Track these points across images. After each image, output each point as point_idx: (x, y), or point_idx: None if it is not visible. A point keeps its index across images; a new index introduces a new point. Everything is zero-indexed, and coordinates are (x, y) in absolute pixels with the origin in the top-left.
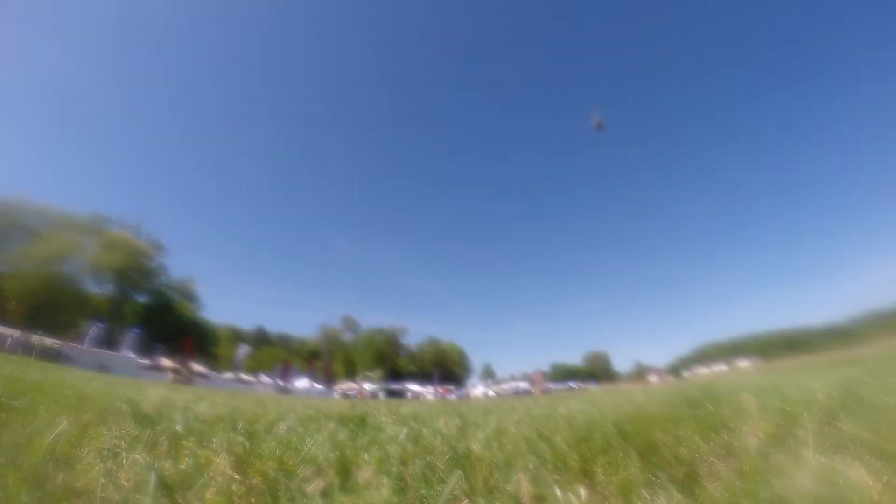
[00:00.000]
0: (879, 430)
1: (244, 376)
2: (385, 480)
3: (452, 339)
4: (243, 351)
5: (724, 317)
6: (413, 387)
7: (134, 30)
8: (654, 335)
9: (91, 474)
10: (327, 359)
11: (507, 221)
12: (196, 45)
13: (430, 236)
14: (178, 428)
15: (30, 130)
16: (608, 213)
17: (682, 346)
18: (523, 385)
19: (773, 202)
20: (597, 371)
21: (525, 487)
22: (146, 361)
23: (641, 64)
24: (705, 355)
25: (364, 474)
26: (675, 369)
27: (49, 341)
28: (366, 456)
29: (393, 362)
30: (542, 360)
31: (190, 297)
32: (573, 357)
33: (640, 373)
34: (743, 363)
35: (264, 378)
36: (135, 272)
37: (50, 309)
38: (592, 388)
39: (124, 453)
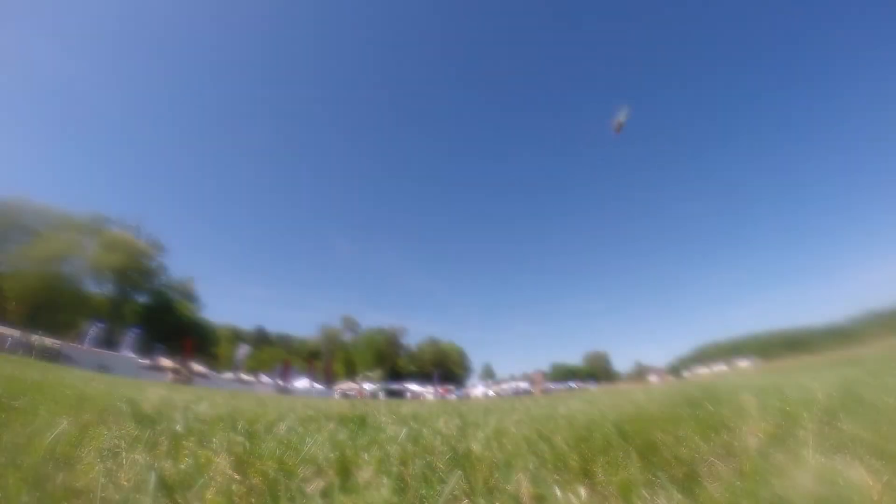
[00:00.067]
0: (879, 430)
1: (244, 376)
2: (385, 480)
3: (452, 339)
4: (243, 351)
5: (724, 317)
6: (413, 387)
7: (134, 30)
8: (654, 335)
9: (91, 474)
10: (327, 359)
11: (507, 221)
12: (196, 45)
13: (430, 236)
14: (178, 428)
15: (30, 130)
16: (608, 213)
17: (682, 346)
18: (523, 385)
19: (773, 202)
20: (597, 371)
21: (525, 487)
22: (146, 361)
23: (641, 64)
24: (705, 355)
25: (364, 474)
26: (675, 369)
27: (49, 341)
28: (366, 456)
29: (393, 362)
30: (542, 360)
31: (190, 297)
32: (573, 357)
33: (640, 373)
34: (743, 363)
35: (264, 378)
36: (135, 272)
37: (50, 309)
38: (592, 388)
39: (124, 453)
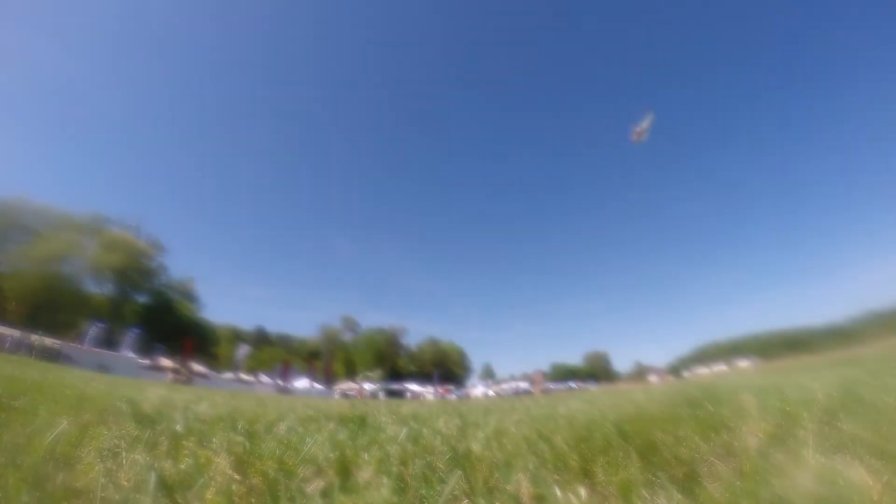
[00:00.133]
0: (879, 430)
1: (244, 376)
2: (385, 480)
3: (452, 339)
4: (243, 351)
5: (724, 317)
6: (413, 387)
7: (134, 30)
8: (654, 335)
9: (91, 474)
10: (327, 359)
11: (507, 221)
12: (196, 45)
13: (430, 236)
14: (178, 428)
15: (30, 130)
16: (608, 213)
17: (682, 346)
18: (523, 385)
19: (773, 202)
20: (597, 371)
21: (525, 487)
22: (146, 361)
23: (642, 64)
24: (705, 355)
25: (364, 474)
26: (675, 369)
27: (49, 341)
28: (366, 456)
29: (393, 362)
30: (542, 360)
31: (190, 297)
32: (573, 357)
33: (640, 373)
34: (743, 363)
35: (264, 378)
36: (135, 272)
37: (50, 309)
38: (592, 388)
39: (124, 453)
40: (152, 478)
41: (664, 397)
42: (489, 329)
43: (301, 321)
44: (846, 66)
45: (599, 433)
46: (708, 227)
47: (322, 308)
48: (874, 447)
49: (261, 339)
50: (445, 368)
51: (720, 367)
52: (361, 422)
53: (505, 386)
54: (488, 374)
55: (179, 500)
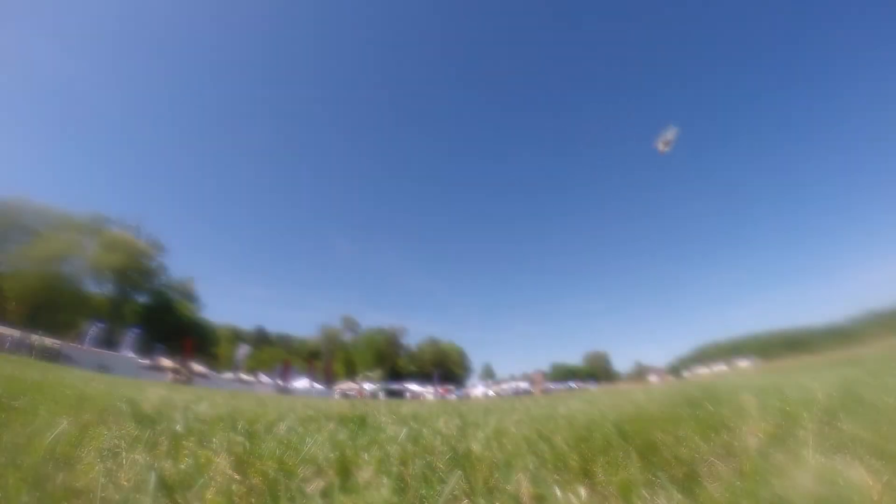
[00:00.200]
0: (879, 430)
1: (244, 376)
2: (385, 480)
3: (452, 339)
4: (243, 351)
5: (724, 317)
6: (413, 387)
7: (134, 30)
8: (654, 335)
9: (91, 474)
10: (327, 359)
11: (507, 221)
12: (196, 45)
13: (430, 236)
14: (178, 428)
15: (30, 130)
16: (608, 213)
17: (682, 346)
18: (523, 385)
19: (773, 202)
20: (597, 371)
21: (525, 487)
22: (146, 361)
23: (641, 64)
24: (705, 355)
25: (364, 474)
26: (675, 369)
27: (49, 341)
28: (366, 456)
29: (393, 362)
30: (542, 360)
31: (190, 297)
32: (573, 357)
33: (640, 373)
34: (743, 363)
35: (264, 378)
36: (135, 272)
37: (50, 309)
38: (592, 388)
39: (124, 453)
40: (152, 478)
41: (664, 397)
42: (489, 329)
43: (301, 321)
44: (846, 66)
45: (599, 433)
46: (708, 227)
47: (322, 308)
48: (874, 447)
49: (261, 339)
50: (445, 368)
51: (720, 367)
52: (361, 422)
53: (505, 386)
54: (488, 374)
55: (179, 500)
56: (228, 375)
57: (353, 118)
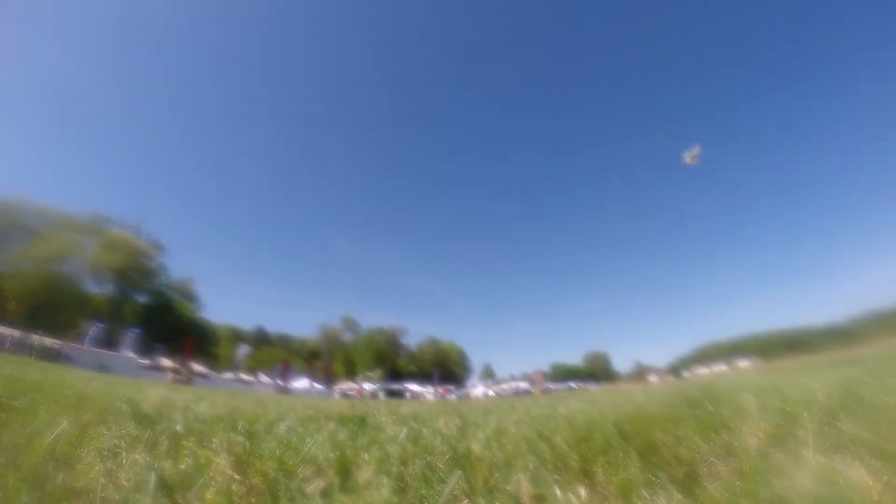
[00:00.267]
0: (879, 430)
1: (244, 376)
2: (385, 480)
3: (452, 339)
4: (243, 351)
5: (724, 317)
6: (413, 387)
7: (134, 30)
8: (654, 335)
9: (91, 474)
10: (327, 359)
11: (506, 221)
12: (196, 45)
13: (430, 236)
14: (178, 428)
15: (30, 130)
16: (608, 213)
17: (682, 346)
18: (523, 385)
19: (773, 202)
20: (597, 371)
21: (525, 487)
22: (146, 361)
23: (641, 64)
24: (705, 355)
25: (364, 474)
26: (675, 369)
27: (49, 341)
28: (366, 456)
29: (393, 362)
30: (542, 360)
31: (190, 297)
32: (573, 357)
33: (640, 373)
34: (743, 363)
35: (264, 378)
36: (135, 272)
37: (50, 309)
38: (592, 388)
39: (124, 453)
40: (152, 478)
41: (664, 397)
42: (489, 329)
43: (301, 321)
44: (846, 66)
45: (599, 433)
46: (708, 227)
47: (322, 308)
48: (874, 447)
49: (261, 339)
50: (445, 368)
51: (720, 367)
52: (361, 422)
53: (505, 386)
54: (488, 374)
55: (179, 500)
56: (228, 375)
57: (353, 118)
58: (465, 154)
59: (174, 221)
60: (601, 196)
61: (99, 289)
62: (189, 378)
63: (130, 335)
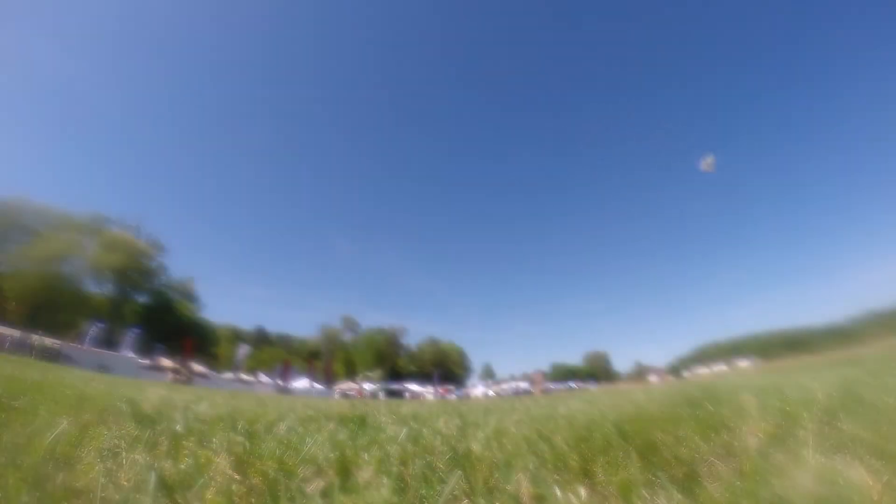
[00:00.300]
0: (879, 430)
1: (244, 376)
2: (385, 480)
3: (452, 339)
4: (243, 351)
5: (724, 317)
6: (413, 387)
7: (134, 30)
8: (654, 335)
9: (91, 474)
10: (327, 359)
11: (506, 221)
12: (196, 45)
13: (430, 236)
14: (178, 428)
15: (30, 130)
16: (608, 213)
17: (682, 346)
18: (523, 385)
19: (773, 202)
20: (597, 371)
21: (525, 487)
22: (146, 361)
23: (641, 63)
24: (705, 355)
25: (364, 474)
26: (675, 369)
27: (49, 341)
28: (366, 456)
29: (393, 362)
30: (542, 360)
31: (190, 297)
32: (573, 357)
33: (640, 373)
34: (743, 363)
35: (264, 378)
36: (135, 272)
37: (50, 309)
38: (592, 388)
39: (124, 453)
40: (152, 478)
41: (664, 397)
42: (489, 329)
43: (301, 321)
44: (846, 66)
45: (599, 433)
46: (708, 227)
47: (322, 308)
48: (874, 447)
49: (261, 339)
50: (445, 368)
51: (720, 367)
52: (361, 422)
53: (505, 386)
54: (488, 374)
55: (179, 500)
56: (228, 375)
57: (353, 118)
58: (465, 154)
59: (174, 221)
60: (601, 196)
61: (99, 289)
62: (189, 378)
63: (130, 335)
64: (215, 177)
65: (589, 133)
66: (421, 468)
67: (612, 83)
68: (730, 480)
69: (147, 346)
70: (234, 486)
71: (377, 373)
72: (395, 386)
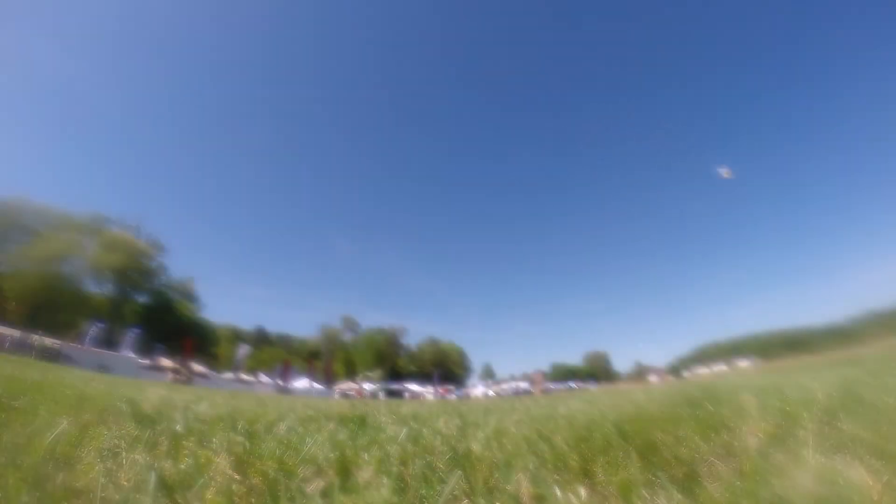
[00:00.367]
0: (879, 430)
1: (244, 376)
2: (385, 480)
3: (452, 339)
4: (243, 351)
5: (724, 317)
6: (413, 387)
7: (134, 30)
8: (654, 335)
9: (91, 474)
10: (327, 359)
11: (506, 221)
12: (196, 45)
13: (430, 236)
14: (178, 428)
15: (30, 130)
16: (608, 213)
17: (682, 346)
18: (523, 385)
19: (773, 202)
20: (597, 371)
21: (525, 487)
22: (146, 361)
23: (641, 63)
24: (705, 355)
25: (364, 474)
26: (675, 369)
27: (49, 341)
28: (366, 456)
29: (393, 362)
30: (542, 360)
31: (190, 297)
32: (573, 357)
33: (640, 373)
34: (743, 363)
35: (264, 378)
36: (135, 272)
37: (50, 309)
38: (592, 388)
39: (124, 453)
40: (152, 478)
41: (664, 397)
42: (489, 329)
43: (301, 321)
44: (846, 66)
45: (599, 433)
46: (708, 227)
47: (322, 308)
48: (874, 447)
49: (261, 339)
50: (445, 368)
51: (720, 367)
52: (361, 422)
53: (505, 386)
54: (488, 374)
55: (179, 500)
56: (228, 375)
57: (353, 118)
58: (465, 154)
59: (174, 221)
60: (601, 196)
61: (99, 289)
62: (189, 378)
63: (130, 335)
64: (215, 177)
65: (589, 133)
66: (421, 468)
67: (612, 83)
68: (730, 480)
69: (147, 346)
70: (234, 486)
71: (377, 373)
72: (394, 386)
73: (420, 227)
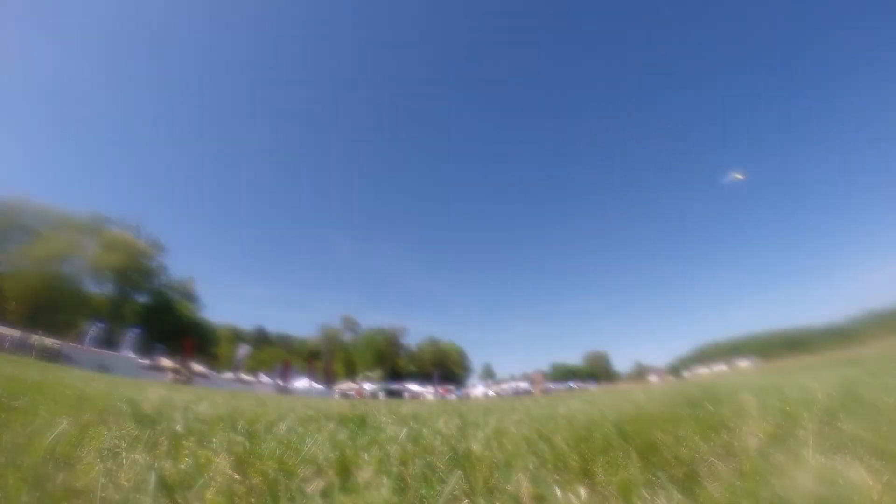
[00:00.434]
0: (879, 430)
1: (244, 376)
2: (385, 480)
3: (452, 339)
4: (243, 351)
5: (724, 317)
6: (413, 387)
7: (134, 30)
8: (654, 335)
9: (91, 474)
10: (327, 359)
11: (506, 221)
12: (196, 45)
13: (430, 236)
14: (178, 428)
15: (30, 130)
16: (608, 213)
17: (682, 346)
18: (523, 385)
19: (773, 202)
20: (597, 371)
21: (525, 487)
22: (146, 361)
23: (641, 63)
24: (705, 355)
25: (364, 474)
26: (675, 369)
27: (49, 341)
28: (366, 456)
29: (393, 362)
30: (542, 360)
31: (190, 297)
32: (573, 357)
33: (640, 373)
34: (743, 363)
35: (264, 378)
36: (135, 272)
37: (50, 309)
38: (592, 388)
39: (124, 453)
40: (152, 478)
41: (664, 397)
42: (489, 329)
43: (301, 321)
44: (846, 66)
45: (599, 433)
46: (708, 227)
47: (322, 308)
48: (874, 447)
49: (261, 339)
50: (445, 368)
51: (720, 367)
52: (361, 422)
53: (505, 386)
54: (488, 374)
55: (179, 500)
56: (228, 375)
57: (353, 118)
58: (465, 154)
59: (174, 221)
60: (601, 196)
61: (99, 289)
62: (189, 378)
63: (130, 335)
64: (215, 177)
65: (589, 133)
66: (421, 468)
67: (612, 83)
68: (730, 480)
69: (147, 346)
70: (234, 486)
71: (377, 373)
72: (394, 386)
73: (420, 227)
